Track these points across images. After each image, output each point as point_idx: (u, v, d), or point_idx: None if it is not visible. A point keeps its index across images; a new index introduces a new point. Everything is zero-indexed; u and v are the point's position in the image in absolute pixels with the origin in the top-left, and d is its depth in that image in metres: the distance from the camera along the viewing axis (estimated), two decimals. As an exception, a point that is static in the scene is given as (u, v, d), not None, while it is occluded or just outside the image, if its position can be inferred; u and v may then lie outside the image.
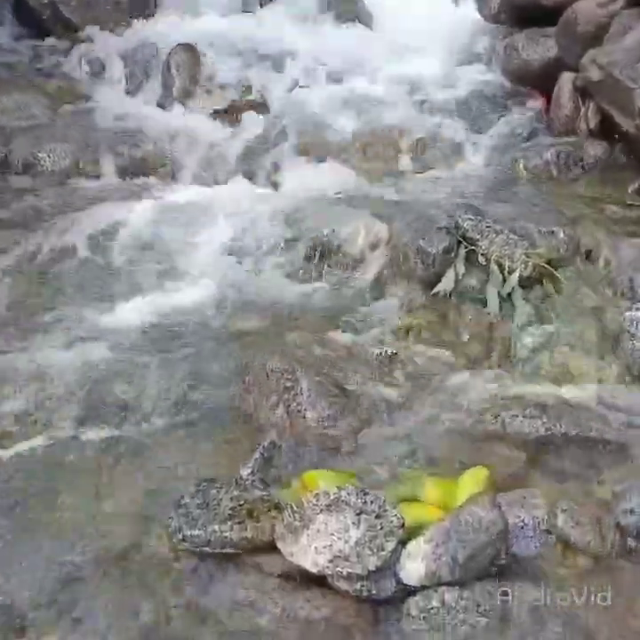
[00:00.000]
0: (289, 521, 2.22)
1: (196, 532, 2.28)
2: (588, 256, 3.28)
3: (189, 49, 4.63)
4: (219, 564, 2.28)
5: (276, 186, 3.84)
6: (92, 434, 2.71)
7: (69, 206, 3.76)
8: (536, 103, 4.29)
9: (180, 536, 2.29)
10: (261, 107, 4.42)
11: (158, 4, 5.17)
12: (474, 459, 2.60)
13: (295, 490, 2.43)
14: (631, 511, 2.32)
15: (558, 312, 3.12)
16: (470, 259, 3.25)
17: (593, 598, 2.22)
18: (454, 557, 2.16)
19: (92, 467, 2.60)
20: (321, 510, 2.19)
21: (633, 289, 3.11)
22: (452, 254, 3.25)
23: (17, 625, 2.16)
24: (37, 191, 3.91)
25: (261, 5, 5.16)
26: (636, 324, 2.90)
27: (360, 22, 5.00)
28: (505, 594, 2.19)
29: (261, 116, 4.34)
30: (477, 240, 3.26)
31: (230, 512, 2.32)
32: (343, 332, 3.12)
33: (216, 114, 4.41)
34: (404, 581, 2.17)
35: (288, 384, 2.79)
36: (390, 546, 2.17)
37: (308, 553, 2.18)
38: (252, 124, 4.22)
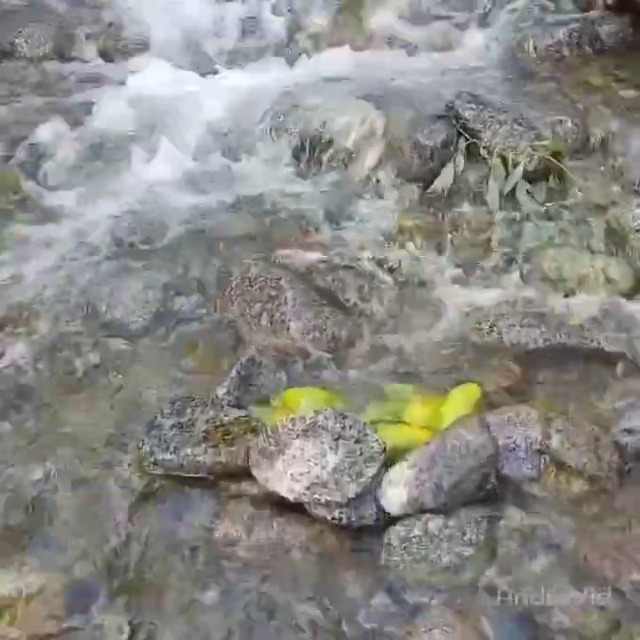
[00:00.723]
0: (263, 446, 2.09)
1: (169, 457, 2.16)
2: (599, 148, 3.04)
3: None
4: (193, 489, 2.16)
5: (262, 72, 3.56)
6: (64, 347, 2.56)
7: (46, 90, 3.56)
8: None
9: (152, 459, 2.17)
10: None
11: None
12: (467, 373, 2.46)
13: (275, 409, 2.30)
14: (630, 431, 2.19)
15: (564, 210, 2.91)
16: (471, 152, 3.02)
17: (587, 523, 2.10)
18: (439, 484, 2.04)
19: (62, 382, 2.47)
20: (297, 435, 2.06)
21: (645, 184, 2.90)
22: (451, 148, 3.03)
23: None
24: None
25: None
26: (646, 223, 2.71)
27: None
28: (493, 521, 2.07)
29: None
30: (479, 131, 3.02)
31: (204, 434, 2.19)
32: (332, 235, 2.93)
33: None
34: (386, 509, 2.05)
35: (272, 293, 2.63)
36: (370, 472, 2.04)
37: (284, 479, 2.05)
38: (239, 6, 3.91)
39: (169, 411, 2.26)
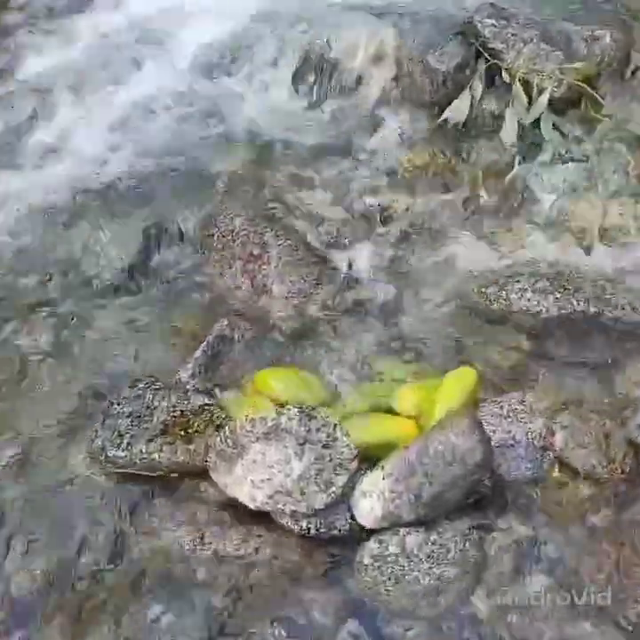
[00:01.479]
0: (221, 448, 1.84)
1: (120, 454, 1.94)
2: (640, 70, 2.64)
3: None
4: (148, 489, 1.94)
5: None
6: (22, 307, 2.31)
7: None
8: None
9: (103, 457, 1.95)
10: None
11: None
12: (468, 347, 2.16)
13: (244, 396, 2.04)
14: (648, 427, 1.89)
15: (595, 146, 2.54)
16: (491, 77, 2.64)
17: (593, 537, 1.83)
18: (418, 495, 1.78)
19: (20, 353, 2.23)
20: (257, 438, 1.81)
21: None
22: (468, 72, 2.65)
23: None
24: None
25: None
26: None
27: None
28: (482, 534, 1.82)
29: None
30: (500, 52, 2.64)
31: (162, 427, 1.96)
32: (332, 175, 2.61)
33: None
34: (359, 521, 1.81)
35: (255, 251, 2.34)
36: (340, 481, 1.79)
37: (244, 486, 1.82)
38: None
39: (126, 395, 2.03)
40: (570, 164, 2.51)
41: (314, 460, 1.79)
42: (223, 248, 2.38)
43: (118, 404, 2.01)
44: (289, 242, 2.35)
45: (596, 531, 1.84)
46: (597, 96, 2.57)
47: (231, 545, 1.84)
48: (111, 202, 2.58)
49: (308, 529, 1.81)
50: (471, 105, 2.63)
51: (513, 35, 2.64)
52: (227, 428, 1.85)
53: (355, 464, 1.79)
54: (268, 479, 1.80)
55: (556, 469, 1.90)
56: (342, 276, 2.33)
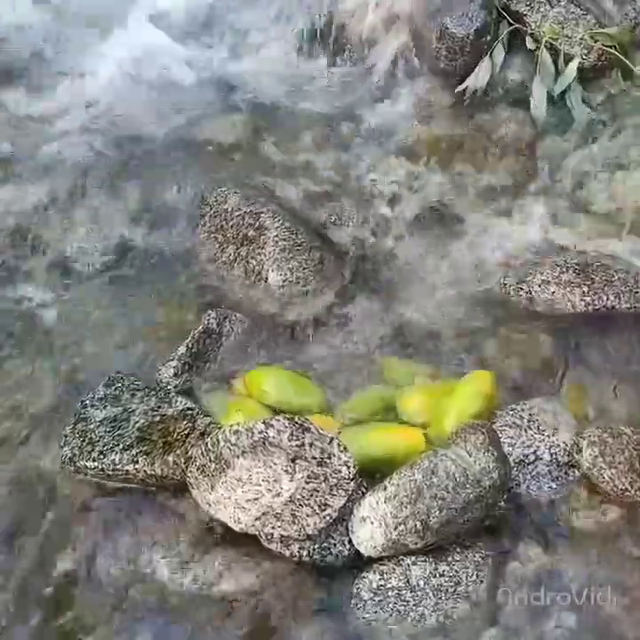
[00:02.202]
0: (203, 462, 1.62)
1: (91, 464, 1.72)
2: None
3: None
4: (123, 502, 1.73)
5: None
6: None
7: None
8: None
9: (72, 468, 1.73)
10: None
11: None
12: (483, 348, 1.93)
13: (232, 399, 1.82)
14: (690, 444, 1.66)
15: (629, 120, 2.29)
16: (513, 42, 2.40)
17: (622, 570, 1.61)
18: (425, 522, 1.55)
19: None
20: (242, 452, 1.59)
21: None
22: (489, 37, 2.40)
23: None
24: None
25: None
26: None
27: None
28: (498, 563, 1.60)
29: None
30: (524, 15, 2.39)
31: (139, 434, 1.74)
32: (338, 149, 2.38)
33: None
34: (358, 549, 1.59)
35: (249, 233, 2.11)
36: (337, 503, 1.57)
37: (228, 506, 1.60)
38: None
39: (102, 396, 1.81)
40: (601, 139, 2.26)
41: (307, 479, 1.57)
42: (215, 230, 2.15)
43: (92, 406, 1.80)
44: (287, 224, 2.11)
45: (629, 561, 1.62)
46: (631, 65, 2.32)
47: (212, 571, 1.63)
48: (92, 176, 2.35)
49: (301, 555, 1.60)
50: (491, 73, 2.39)
51: (540, -5, 2.39)
52: (208, 439, 1.63)
53: (353, 485, 1.57)
54: (255, 499, 1.58)
55: (583, 490, 1.68)
56: (346, 262, 2.10)
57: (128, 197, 2.30)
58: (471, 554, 1.60)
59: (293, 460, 1.57)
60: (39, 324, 2.06)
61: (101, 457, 1.71)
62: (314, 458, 1.57)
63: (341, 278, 2.07)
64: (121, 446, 1.72)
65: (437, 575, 1.57)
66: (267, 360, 1.92)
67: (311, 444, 1.58)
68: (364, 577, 1.58)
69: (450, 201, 2.24)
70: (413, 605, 1.55)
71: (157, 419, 1.76)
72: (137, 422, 1.76)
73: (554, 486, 1.69)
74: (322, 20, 2.58)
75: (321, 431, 1.59)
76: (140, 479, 1.70)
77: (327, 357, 1.93)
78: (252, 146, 2.41)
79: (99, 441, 1.74)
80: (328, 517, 1.57)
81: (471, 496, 1.56)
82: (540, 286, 1.98)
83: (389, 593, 1.56)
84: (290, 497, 1.57)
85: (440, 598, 1.56)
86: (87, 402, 1.81)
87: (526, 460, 1.70)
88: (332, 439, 1.59)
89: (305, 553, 1.60)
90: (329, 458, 1.57)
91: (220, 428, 1.65)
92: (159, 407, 1.78)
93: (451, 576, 1.57)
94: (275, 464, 1.57)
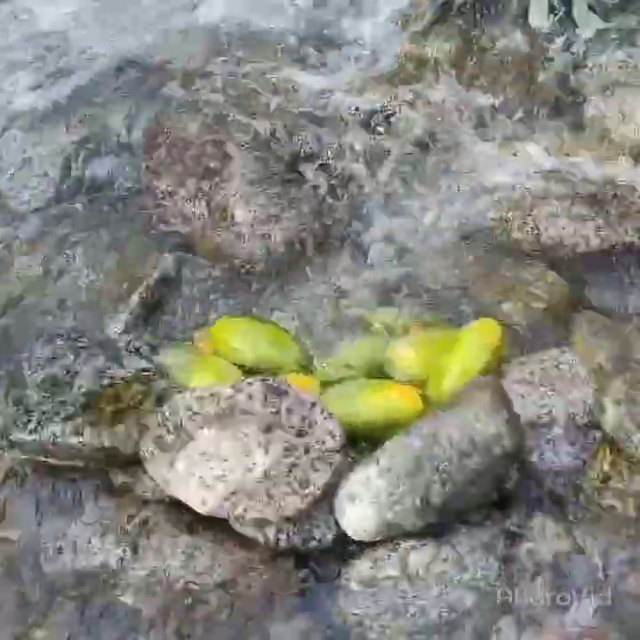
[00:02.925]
0: (159, 433, 1.37)
1: (27, 437, 1.46)
2: None
3: None
4: (64, 483, 1.47)
5: None
6: None
7: None
8: None
9: (5, 442, 1.47)
10: None
11: None
12: (487, 292, 1.68)
13: (195, 358, 1.56)
14: None
15: (641, 31, 2.04)
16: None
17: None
18: (425, 498, 1.31)
19: None
20: (207, 421, 1.33)
21: None
22: None
23: None
24: None
25: None
26: None
27: None
28: (509, 545, 1.36)
29: None
30: None
31: (84, 401, 1.48)
32: (315, 68, 2.11)
33: None
34: (346, 533, 1.35)
35: (212, 164, 1.84)
36: (320, 479, 1.33)
37: (190, 484, 1.35)
38: None
39: (40, 355, 1.55)
40: (616, 53, 2.00)
41: (284, 452, 1.32)
42: (173, 161, 1.88)
43: (29, 367, 1.53)
44: (256, 153, 1.85)
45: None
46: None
47: (175, 560, 1.39)
48: (36, 105, 2.08)
49: (277, 541, 1.35)
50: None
51: None
52: (166, 406, 1.37)
53: (339, 457, 1.32)
54: (223, 476, 1.33)
55: (607, 456, 1.44)
56: (324, 197, 1.84)
57: (72, 129, 2.03)
58: (479, 534, 1.36)
59: (268, 430, 1.32)
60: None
61: (40, 428, 1.45)
62: (292, 427, 1.32)
63: (318, 216, 1.81)
64: (62, 415, 1.46)
65: (440, 560, 1.33)
66: (234, 311, 1.67)
67: (289, 410, 1.33)
68: (353, 565, 1.34)
69: (440, 127, 1.98)
70: (412, 597, 1.32)
71: (106, 382, 1.50)
72: (81, 386, 1.50)
73: (572, 452, 1.45)
74: None
75: (300, 394, 1.33)
76: (85, 454, 1.45)
77: (304, 308, 1.68)
78: (215, 69, 2.14)
79: (36, 410, 1.48)
80: (310, 496, 1.32)
81: (479, 465, 1.32)
82: (547, 220, 1.73)
83: (383, 583, 1.32)
84: (264, 473, 1.32)
85: (443, 588, 1.32)
86: (23, 362, 1.54)
87: (540, 422, 1.46)
88: (313, 404, 1.34)
89: (283, 538, 1.36)
90: (310, 426, 1.33)
91: (179, 393, 1.40)
92: (108, 368, 1.52)
93: (455, 561, 1.33)
94: (246, 435, 1.33)
